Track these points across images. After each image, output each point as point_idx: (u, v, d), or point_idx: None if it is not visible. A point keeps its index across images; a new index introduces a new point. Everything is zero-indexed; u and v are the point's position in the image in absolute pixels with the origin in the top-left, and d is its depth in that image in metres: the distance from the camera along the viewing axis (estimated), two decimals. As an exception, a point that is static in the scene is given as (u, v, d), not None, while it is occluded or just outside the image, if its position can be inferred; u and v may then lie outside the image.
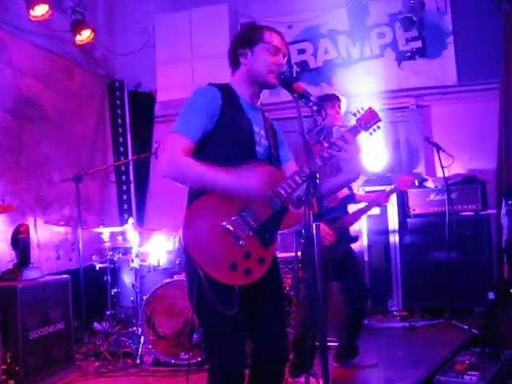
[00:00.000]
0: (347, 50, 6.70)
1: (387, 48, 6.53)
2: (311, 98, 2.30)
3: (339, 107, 4.30)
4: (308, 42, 6.83)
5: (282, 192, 2.37)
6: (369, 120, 2.47)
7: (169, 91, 6.64)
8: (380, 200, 4.36)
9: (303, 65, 6.84)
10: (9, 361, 4.05)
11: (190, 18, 6.71)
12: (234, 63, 2.57)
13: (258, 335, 2.50)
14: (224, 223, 2.28)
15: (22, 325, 4.15)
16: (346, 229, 4.19)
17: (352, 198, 4.40)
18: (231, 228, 2.28)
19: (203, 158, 2.33)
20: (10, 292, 4.18)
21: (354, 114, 2.49)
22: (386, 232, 6.11)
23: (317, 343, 3.60)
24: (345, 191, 4.29)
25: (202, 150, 2.37)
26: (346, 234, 4.24)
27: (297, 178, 2.38)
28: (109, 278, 5.20)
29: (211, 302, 2.22)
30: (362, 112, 2.48)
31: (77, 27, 5.97)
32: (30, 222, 5.36)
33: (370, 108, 2.50)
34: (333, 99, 4.30)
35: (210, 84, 2.49)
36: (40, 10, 5.32)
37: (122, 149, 7.11)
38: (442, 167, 5.42)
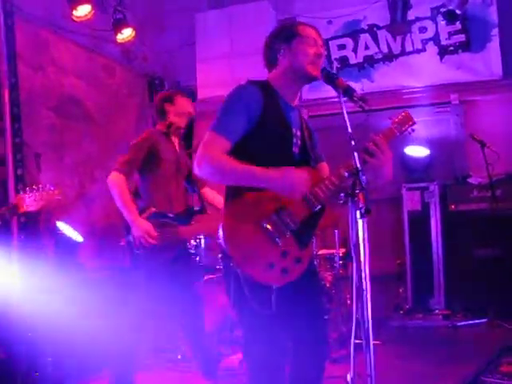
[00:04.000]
0: (388, 45, 6.62)
1: (429, 42, 6.42)
2: (355, 94, 2.27)
3: None
4: (348, 37, 6.77)
5: (320, 193, 2.34)
6: (404, 123, 2.46)
7: (208, 88, 6.67)
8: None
9: (343, 60, 6.78)
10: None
11: (229, 15, 6.73)
12: (271, 61, 2.56)
13: (298, 333, 2.49)
14: (263, 222, 2.27)
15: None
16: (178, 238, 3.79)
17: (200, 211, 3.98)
18: (269, 227, 2.26)
19: (240, 158, 2.32)
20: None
21: (389, 117, 2.46)
22: (427, 229, 6.02)
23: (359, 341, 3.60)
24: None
25: (239, 151, 2.36)
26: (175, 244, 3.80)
27: (334, 178, 2.35)
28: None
29: (249, 300, 2.22)
30: (398, 115, 2.46)
31: (118, 26, 6.02)
32: (73, 217, 5.45)
33: (405, 111, 2.49)
34: None
35: (250, 81, 2.47)
36: (83, 10, 5.38)
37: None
38: (487, 164, 5.30)
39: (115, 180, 3.65)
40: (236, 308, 2.38)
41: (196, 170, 2.34)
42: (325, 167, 2.66)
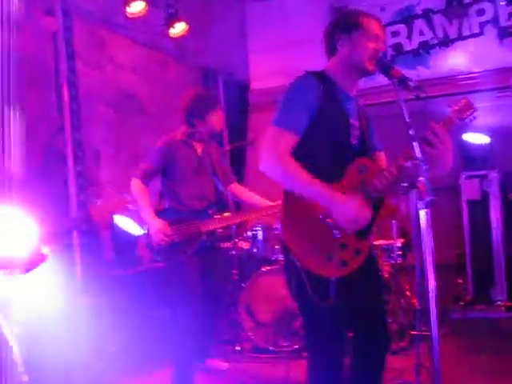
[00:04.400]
0: (444, 30, 6.45)
1: (487, 25, 6.22)
2: (410, 83, 2.24)
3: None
4: (402, 23, 6.63)
5: (378, 183, 2.33)
6: (464, 110, 2.38)
7: (262, 79, 6.68)
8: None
9: (397, 47, 6.65)
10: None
11: (281, 5, 6.70)
12: (331, 49, 2.53)
13: (358, 324, 2.48)
14: (321, 215, 2.27)
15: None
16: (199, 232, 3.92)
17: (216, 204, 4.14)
18: (327, 219, 2.26)
19: (298, 150, 2.32)
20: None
21: (449, 105, 2.40)
22: (487, 218, 5.85)
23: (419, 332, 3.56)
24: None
25: (298, 143, 2.35)
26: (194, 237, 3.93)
27: (393, 169, 2.32)
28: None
29: (309, 292, 2.23)
30: (457, 102, 2.39)
31: (171, 21, 6.09)
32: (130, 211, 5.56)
33: (464, 98, 2.42)
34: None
35: (308, 72, 2.45)
36: (136, 7, 5.46)
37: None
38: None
39: (134, 186, 3.94)
40: (297, 299, 2.40)
41: (261, 167, 2.32)
42: (382, 157, 2.63)
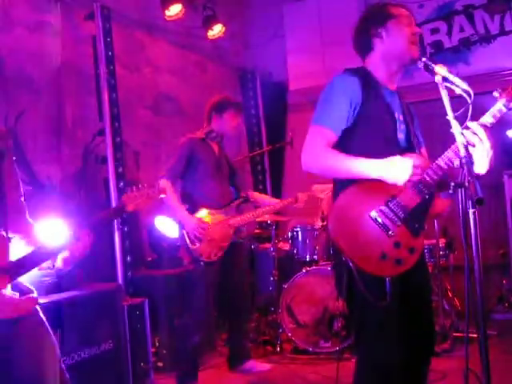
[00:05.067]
0: (485, 26, 6.32)
1: (531, 19, 6.08)
2: (455, 81, 2.19)
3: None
4: (441, 20, 6.52)
5: (428, 179, 2.27)
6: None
7: (301, 80, 6.65)
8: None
9: (437, 45, 6.54)
10: (157, 344, 4.38)
11: (317, 4, 6.66)
12: (365, 46, 2.50)
13: (409, 324, 2.43)
14: (372, 214, 2.25)
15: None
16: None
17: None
18: (379, 218, 2.25)
19: (346, 149, 2.30)
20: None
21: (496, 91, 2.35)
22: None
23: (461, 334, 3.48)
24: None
25: (344, 141, 2.33)
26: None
27: (442, 163, 2.26)
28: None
29: (362, 293, 2.21)
30: (504, 90, 2.33)
31: (208, 23, 6.12)
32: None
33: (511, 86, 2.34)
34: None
35: (347, 70, 2.44)
36: (174, 10, 5.51)
37: (256, 139, 7.23)
38: None
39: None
40: (348, 300, 2.38)
41: (303, 166, 2.33)
42: (424, 153, 2.59)
